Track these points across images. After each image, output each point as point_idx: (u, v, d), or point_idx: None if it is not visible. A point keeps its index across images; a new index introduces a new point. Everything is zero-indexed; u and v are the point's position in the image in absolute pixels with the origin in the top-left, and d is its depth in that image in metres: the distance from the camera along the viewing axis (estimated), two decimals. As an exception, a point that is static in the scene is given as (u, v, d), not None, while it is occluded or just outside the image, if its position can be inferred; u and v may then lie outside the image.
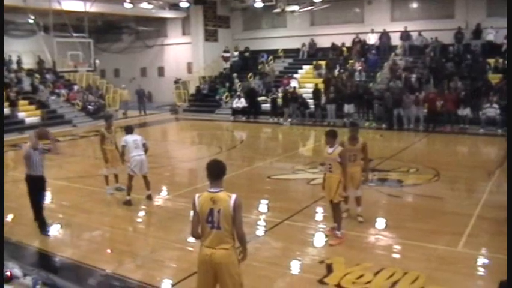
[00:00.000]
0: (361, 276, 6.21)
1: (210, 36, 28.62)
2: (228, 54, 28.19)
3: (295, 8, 25.28)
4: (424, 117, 18.75)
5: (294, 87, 22.97)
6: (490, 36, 21.44)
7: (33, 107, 22.62)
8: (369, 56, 23.89)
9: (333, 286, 6.03)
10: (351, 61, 24.03)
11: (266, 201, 9.96)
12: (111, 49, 31.34)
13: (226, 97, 25.39)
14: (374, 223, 8.32)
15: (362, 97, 20.27)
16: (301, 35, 26.69)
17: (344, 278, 6.18)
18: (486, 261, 6.82)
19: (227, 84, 26.14)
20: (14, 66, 26.42)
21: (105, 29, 30.06)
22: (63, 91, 25.14)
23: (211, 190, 4.46)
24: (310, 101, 21.82)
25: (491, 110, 17.80)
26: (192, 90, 27.69)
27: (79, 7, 23.61)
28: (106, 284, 6.40)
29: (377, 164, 12.20)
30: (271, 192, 10.75)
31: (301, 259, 6.97)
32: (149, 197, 9.83)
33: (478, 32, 21.84)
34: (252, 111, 23.40)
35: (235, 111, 23.77)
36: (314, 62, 24.99)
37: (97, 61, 26.37)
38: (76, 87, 25.90)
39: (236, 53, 28.30)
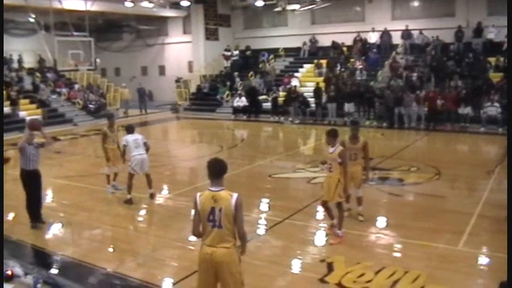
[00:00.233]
0: (362, 275, 6.22)
1: (211, 35, 28.61)
2: (228, 53, 28.18)
3: (296, 6, 25.29)
4: (425, 116, 18.74)
5: (295, 86, 22.98)
6: (490, 34, 21.41)
7: (34, 105, 22.62)
8: (370, 54, 23.86)
9: (334, 285, 6.03)
10: (352, 60, 24.02)
11: (267, 200, 9.96)
12: (112, 48, 31.33)
13: (227, 96, 25.39)
14: (375, 222, 8.33)
15: (363, 96, 20.27)
16: (302, 34, 26.67)
17: (344, 276, 6.19)
18: (486, 259, 6.83)
19: (228, 83, 26.13)
20: (15, 65, 26.43)
21: (106, 28, 30.06)
22: (64, 90, 25.12)
23: (213, 189, 4.47)
24: (311, 100, 21.83)
25: (492, 109, 17.78)
26: (193, 89, 27.68)
27: (80, 6, 23.65)
28: (107, 283, 6.40)
29: (377, 163, 12.19)
30: (272, 191, 10.76)
31: (302, 258, 6.98)
32: (152, 196, 9.83)
33: (479, 31, 21.80)
34: (253, 110, 23.40)
35: (236, 110, 23.76)
36: (315, 61, 24.97)
37: (98, 60, 26.45)
38: (76, 86, 25.90)
39: (237, 52, 28.28)
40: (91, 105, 24.41)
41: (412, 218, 8.62)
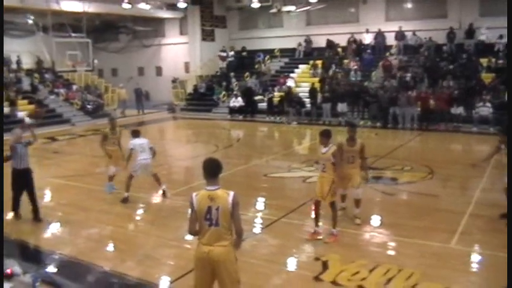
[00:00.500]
0: (356, 273, 6.31)
1: (207, 35, 28.70)
2: (224, 54, 28.26)
3: (292, 8, 25.37)
4: (418, 116, 18.89)
5: (290, 87, 23.08)
6: (482, 36, 21.58)
7: (32, 106, 22.60)
8: (365, 55, 24.01)
9: (329, 283, 6.12)
10: (346, 61, 24.15)
11: (263, 199, 10.05)
12: (109, 49, 31.37)
13: (223, 96, 25.46)
14: (369, 221, 8.42)
15: (357, 96, 20.40)
16: (297, 35, 26.76)
17: (339, 274, 6.28)
18: (479, 257, 6.93)
19: (224, 84, 26.21)
20: (14, 66, 26.40)
21: (103, 29, 30.03)
22: (62, 90, 25.15)
23: (209, 188, 4.53)
24: (307, 100, 21.94)
25: (484, 109, 17.97)
26: (189, 89, 27.73)
27: (77, 7, 23.66)
28: (105, 281, 6.47)
29: (372, 162, 12.27)
30: (268, 190, 10.85)
31: (297, 256, 7.07)
32: (164, 194, 9.98)
33: (471, 32, 21.95)
34: (249, 110, 23.49)
35: (232, 110, 23.84)
36: (311, 62, 25.09)
37: (95, 61, 26.47)
38: (74, 87, 25.93)
39: (232, 53, 28.35)
40: (88, 106, 24.46)
41: (406, 216, 8.73)
